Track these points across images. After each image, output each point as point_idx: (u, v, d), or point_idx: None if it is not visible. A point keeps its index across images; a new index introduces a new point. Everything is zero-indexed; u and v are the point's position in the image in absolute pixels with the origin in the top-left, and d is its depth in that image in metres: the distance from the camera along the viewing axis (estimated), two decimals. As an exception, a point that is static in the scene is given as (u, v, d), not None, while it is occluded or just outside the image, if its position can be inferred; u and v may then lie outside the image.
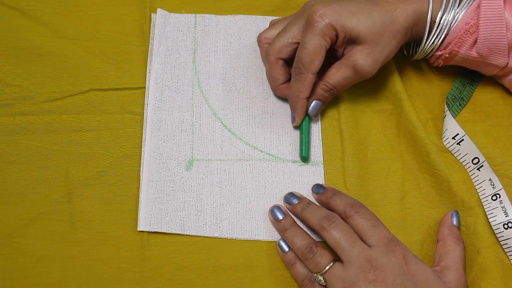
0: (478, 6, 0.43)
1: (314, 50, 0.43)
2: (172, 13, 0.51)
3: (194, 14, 0.51)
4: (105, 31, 0.51)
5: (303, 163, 0.47)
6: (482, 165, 0.45)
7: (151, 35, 0.50)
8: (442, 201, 0.46)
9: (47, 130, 0.47)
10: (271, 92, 0.49)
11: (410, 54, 0.49)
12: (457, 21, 0.44)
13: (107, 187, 0.45)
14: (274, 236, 0.45)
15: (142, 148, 0.47)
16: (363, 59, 0.43)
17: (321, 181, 0.46)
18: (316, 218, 0.41)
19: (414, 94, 0.50)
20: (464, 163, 0.47)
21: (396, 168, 0.47)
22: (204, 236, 0.44)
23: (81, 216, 0.45)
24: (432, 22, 0.44)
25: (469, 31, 0.44)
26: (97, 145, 0.47)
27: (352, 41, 0.43)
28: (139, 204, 0.45)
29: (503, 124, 0.48)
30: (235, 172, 0.46)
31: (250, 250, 0.44)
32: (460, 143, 0.46)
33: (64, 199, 0.45)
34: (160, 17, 0.51)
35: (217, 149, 0.47)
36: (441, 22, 0.44)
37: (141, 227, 0.44)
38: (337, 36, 0.43)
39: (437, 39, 0.45)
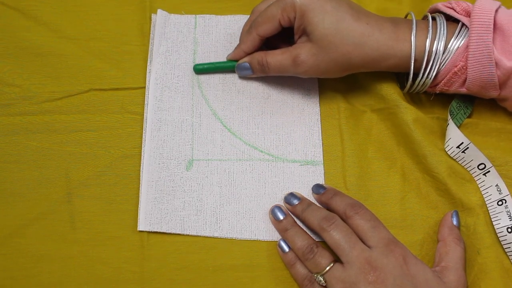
0: (467, 47, 0.42)
1: (267, 15, 0.43)
2: (172, 14, 0.51)
3: (194, 15, 0.51)
4: (105, 31, 0.51)
5: (302, 163, 0.47)
6: (489, 171, 0.45)
7: (151, 35, 0.50)
8: (442, 201, 0.46)
9: (47, 130, 0.47)
10: (271, 92, 0.49)
11: (403, 85, 0.48)
12: (446, 64, 0.43)
13: (107, 187, 0.45)
14: (274, 236, 0.45)
15: (142, 148, 0.47)
16: (306, 56, 0.43)
17: (321, 181, 0.46)
18: (316, 219, 0.41)
19: (416, 97, 0.50)
20: (469, 169, 0.46)
21: (396, 168, 0.47)
22: (204, 236, 0.44)
23: (81, 216, 0.45)
24: (418, 61, 0.43)
25: (457, 74, 0.43)
26: (97, 145, 0.47)
27: (307, 34, 0.43)
28: (139, 204, 0.45)
29: (506, 128, 0.48)
30: (235, 172, 0.46)
31: (250, 250, 0.44)
32: (465, 151, 0.46)
33: (64, 199, 0.45)
34: (160, 17, 0.51)
35: (217, 149, 0.47)
36: (430, 63, 0.43)
37: (141, 227, 0.44)
38: (295, 19, 0.43)
39: (428, 79, 0.44)
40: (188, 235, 0.44)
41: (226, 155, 0.47)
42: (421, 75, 0.44)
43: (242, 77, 0.49)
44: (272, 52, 0.45)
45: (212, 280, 0.43)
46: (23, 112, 0.47)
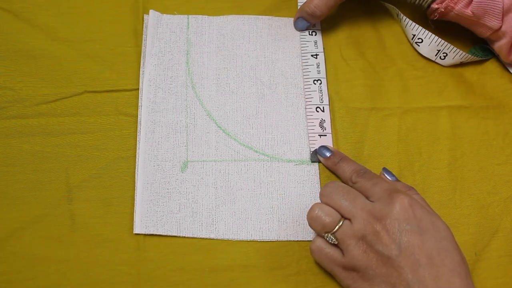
0: None
1: None
2: (164, 14, 0.51)
3: (186, 15, 0.51)
4: (99, 33, 0.50)
5: (298, 163, 0.47)
6: None
7: (143, 36, 0.50)
8: (439, 199, 0.46)
9: (41, 132, 0.47)
10: (265, 92, 0.49)
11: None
12: None
13: (103, 190, 0.45)
14: (270, 236, 0.45)
15: (137, 150, 0.46)
16: None
17: (316, 180, 0.46)
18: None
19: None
20: None
21: (393, 165, 0.47)
22: (200, 238, 0.44)
23: (77, 218, 0.44)
24: None
25: None
26: (91, 147, 0.46)
27: None
28: (135, 207, 0.45)
29: None
30: (230, 172, 0.46)
31: (246, 251, 0.44)
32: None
33: (59, 202, 0.45)
34: (152, 18, 0.50)
35: (211, 150, 0.47)
36: None
37: (137, 229, 0.44)
38: None
39: None
40: (184, 236, 0.44)
41: (221, 156, 0.47)
42: None
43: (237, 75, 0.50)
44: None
45: (208, 281, 0.43)
46: (17, 115, 0.47)
